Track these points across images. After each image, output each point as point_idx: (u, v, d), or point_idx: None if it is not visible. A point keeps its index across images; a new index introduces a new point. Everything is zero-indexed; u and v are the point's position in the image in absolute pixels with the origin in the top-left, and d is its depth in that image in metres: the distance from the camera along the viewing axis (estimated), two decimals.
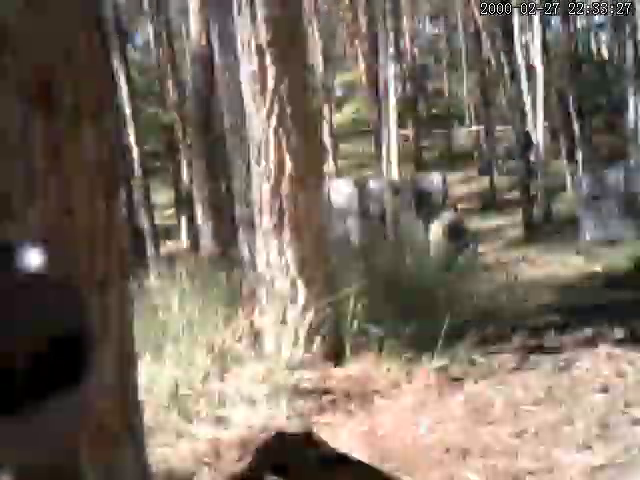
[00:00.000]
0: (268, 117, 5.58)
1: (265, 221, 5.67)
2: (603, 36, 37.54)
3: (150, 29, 26.39)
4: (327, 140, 30.16)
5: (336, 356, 5.48)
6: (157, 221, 20.42)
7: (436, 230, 12.78)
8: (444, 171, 15.51)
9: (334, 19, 39.26)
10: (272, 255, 5.63)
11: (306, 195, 5.65)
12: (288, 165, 5.59)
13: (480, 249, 15.37)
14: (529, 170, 21.78)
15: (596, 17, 38.77)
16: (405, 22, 38.17)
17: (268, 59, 5.56)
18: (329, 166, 29.86)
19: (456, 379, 5.04)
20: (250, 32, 5.56)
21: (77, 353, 0.54)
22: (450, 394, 4.73)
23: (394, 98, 21.36)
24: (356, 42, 31.51)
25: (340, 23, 38.47)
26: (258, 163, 5.70)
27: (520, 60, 22.11)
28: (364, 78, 28.81)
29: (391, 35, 24.01)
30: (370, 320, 5.68)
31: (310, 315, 5.39)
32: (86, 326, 0.55)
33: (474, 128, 33.06)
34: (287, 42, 5.62)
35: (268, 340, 5.62)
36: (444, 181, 13.57)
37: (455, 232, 12.84)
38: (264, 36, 5.54)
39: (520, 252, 14.79)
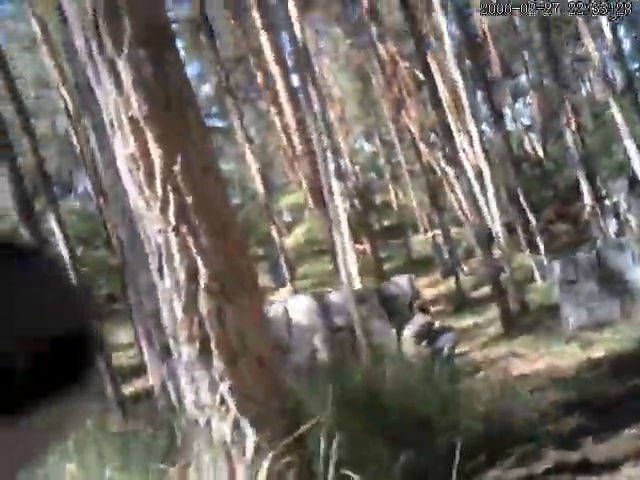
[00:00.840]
0: (163, 212, 4.11)
1: (185, 351, 4.13)
2: (533, 135, 38.82)
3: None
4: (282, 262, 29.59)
5: None
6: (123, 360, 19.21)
7: (408, 335, 11.53)
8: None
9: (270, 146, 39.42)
10: (202, 392, 4.08)
11: (235, 310, 4.13)
12: (202, 272, 4.08)
13: (462, 348, 14.27)
14: (495, 264, 21.37)
15: (523, 120, 40.60)
16: (341, 142, 38.65)
17: (149, 136, 4.08)
18: (287, 289, 29.15)
19: None
20: (118, 103, 4.11)
21: (78, 353, 0.51)
22: None
23: (344, 213, 20.79)
24: (295, 165, 31.42)
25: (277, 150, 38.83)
26: (161, 276, 4.20)
27: (466, 163, 21.83)
28: (310, 199, 28.39)
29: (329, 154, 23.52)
30: (349, 460, 4.11)
31: (265, 466, 3.73)
32: (87, 327, 0.52)
33: (429, 234, 32.78)
34: (170, 112, 4.15)
35: None
36: (411, 283, 12.31)
37: (429, 334, 11.61)
38: (138, 108, 4.07)
39: (505, 347, 13.54)
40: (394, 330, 11.86)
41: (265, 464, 3.69)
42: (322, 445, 3.89)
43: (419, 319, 12.02)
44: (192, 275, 4.08)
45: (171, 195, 4.06)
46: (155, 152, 4.07)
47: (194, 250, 4.08)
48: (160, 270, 4.16)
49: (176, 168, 4.05)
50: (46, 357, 0.49)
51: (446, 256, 27.96)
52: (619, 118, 15.46)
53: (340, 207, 20.80)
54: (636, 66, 41.20)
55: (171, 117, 4.12)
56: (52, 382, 0.49)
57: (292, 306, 11.84)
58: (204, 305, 4.04)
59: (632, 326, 11.76)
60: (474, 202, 21.41)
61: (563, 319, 15.00)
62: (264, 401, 4.00)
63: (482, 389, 7.33)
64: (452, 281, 24.96)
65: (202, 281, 4.05)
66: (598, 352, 10.32)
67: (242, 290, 4.23)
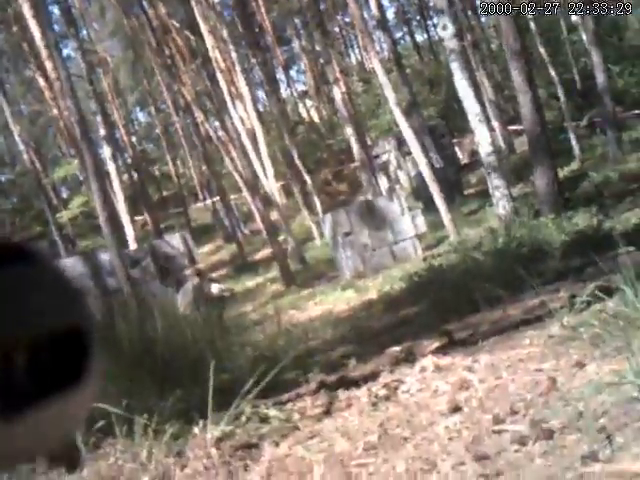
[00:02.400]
0: None
1: None
2: (308, 101, 39.60)
3: None
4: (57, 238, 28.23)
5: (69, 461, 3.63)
6: None
7: (184, 296, 11.33)
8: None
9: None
10: None
11: None
12: None
13: (243, 309, 14.32)
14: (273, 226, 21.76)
15: (299, 86, 41.38)
16: (115, 112, 37.40)
17: None
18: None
19: (248, 446, 3.45)
20: None
21: (77, 352, 0.50)
22: (245, 468, 3.15)
23: (118, 181, 20.17)
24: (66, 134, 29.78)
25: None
26: None
27: (240, 128, 21.73)
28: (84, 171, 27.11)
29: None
30: (112, 402, 3.90)
31: None
32: (87, 325, 0.51)
33: (209, 201, 32.65)
34: None
35: None
36: (185, 241, 12.05)
37: (206, 296, 11.48)
38: None
39: (284, 303, 13.71)
40: (171, 290, 11.61)
41: None
42: None
43: (195, 280, 11.83)
44: None
45: None
46: None
47: None
48: None
49: None
50: (46, 356, 0.48)
51: (226, 222, 27.96)
52: (385, 82, 16.01)
53: (115, 179, 20.08)
54: (399, 35, 43.25)
55: None
56: (52, 382, 0.48)
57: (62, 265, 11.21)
58: None
59: (403, 271, 12.26)
60: (249, 166, 21.45)
61: (340, 270, 15.49)
62: None
63: (255, 337, 7.31)
64: (234, 247, 25.06)
65: None
66: (371, 294, 10.68)
67: None
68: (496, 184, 12.18)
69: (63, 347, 0.49)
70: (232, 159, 22.22)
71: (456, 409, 3.21)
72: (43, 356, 0.48)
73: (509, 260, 8.42)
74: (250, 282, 19.81)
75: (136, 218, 35.12)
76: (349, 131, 20.37)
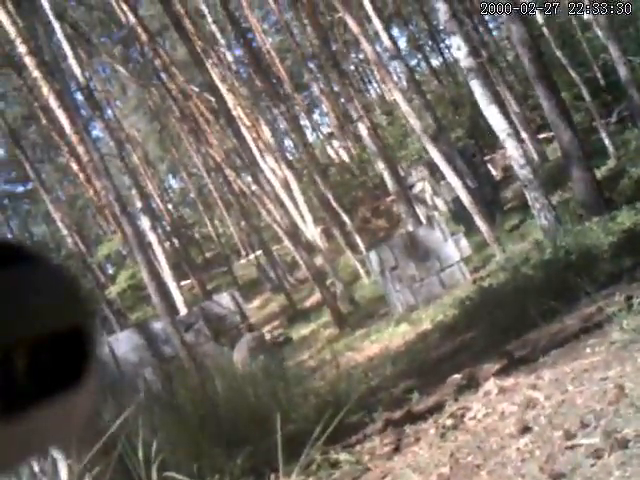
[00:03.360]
0: None
1: None
2: (335, 142, 39.82)
3: None
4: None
5: None
6: None
7: (241, 353, 11.35)
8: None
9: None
10: None
11: None
12: None
13: (300, 357, 14.29)
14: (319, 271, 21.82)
15: (324, 129, 41.71)
16: (148, 183, 38.11)
17: None
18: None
19: None
20: None
21: (78, 352, 0.51)
22: None
23: (162, 254, 20.38)
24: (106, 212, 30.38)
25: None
26: None
27: (273, 179, 21.95)
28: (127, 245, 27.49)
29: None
30: (178, 464, 3.90)
31: None
32: (88, 325, 0.52)
33: (252, 256, 32.85)
34: None
35: None
36: (234, 299, 12.11)
37: (263, 349, 11.50)
38: None
39: (340, 345, 13.67)
40: (226, 349, 11.64)
41: None
42: (140, 450, 3.68)
43: (248, 336, 11.87)
44: None
45: None
46: None
47: None
48: None
49: None
50: (46, 356, 0.48)
51: (272, 274, 28.05)
52: (408, 111, 16.05)
53: (157, 248, 20.32)
54: (414, 62, 43.43)
55: None
56: (52, 382, 0.48)
57: (117, 344, 11.34)
58: None
59: (452, 297, 12.16)
60: (287, 215, 21.60)
61: (391, 305, 15.39)
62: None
63: (316, 384, 7.28)
64: (282, 297, 25.10)
65: None
66: (425, 325, 10.58)
67: None
68: (534, 196, 12.05)
69: (63, 348, 0.49)
70: (269, 211, 22.42)
71: (525, 429, 3.15)
72: (43, 357, 0.48)
73: (559, 270, 8.31)
74: (304, 330, 19.78)
75: (182, 283, 35.47)
76: (380, 165, 20.40)
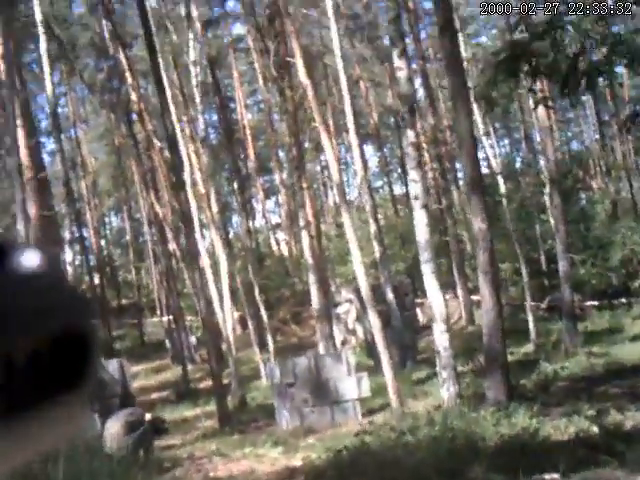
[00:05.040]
0: None
1: None
2: (281, 234, 39.92)
3: None
4: None
5: None
6: None
7: (112, 428, 10.87)
8: (129, 360, 13.69)
9: None
10: None
11: None
12: None
13: (173, 441, 13.81)
14: (221, 358, 21.47)
15: (273, 218, 41.83)
16: (88, 213, 37.51)
17: None
18: None
19: None
20: None
21: (78, 353, 0.51)
22: None
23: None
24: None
25: None
26: None
27: (203, 253, 21.66)
28: None
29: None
30: None
31: None
32: (88, 326, 0.52)
33: (165, 318, 32.20)
34: None
35: None
36: (121, 368, 11.63)
37: (136, 428, 11.04)
38: None
39: (214, 444, 13.24)
40: (96, 416, 11.15)
41: None
42: None
43: (126, 411, 11.40)
44: None
45: None
46: None
47: None
48: None
49: None
50: (46, 358, 0.48)
51: (177, 343, 27.33)
52: (351, 237, 16.11)
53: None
54: (379, 183, 44.19)
55: None
56: (52, 383, 0.49)
57: None
58: None
59: (337, 436, 11.92)
60: (206, 292, 21.24)
61: (278, 420, 15.08)
62: None
63: None
64: (180, 369, 24.52)
65: None
66: (296, 460, 10.25)
67: None
68: (444, 364, 12.05)
69: (63, 349, 0.49)
70: (193, 282, 22.02)
71: None
72: (43, 358, 0.48)
73: (442, 452, 8.20)
74: (188, 412, 19.20)
75: None
76: (311, 278, 20.37)
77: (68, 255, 19.79)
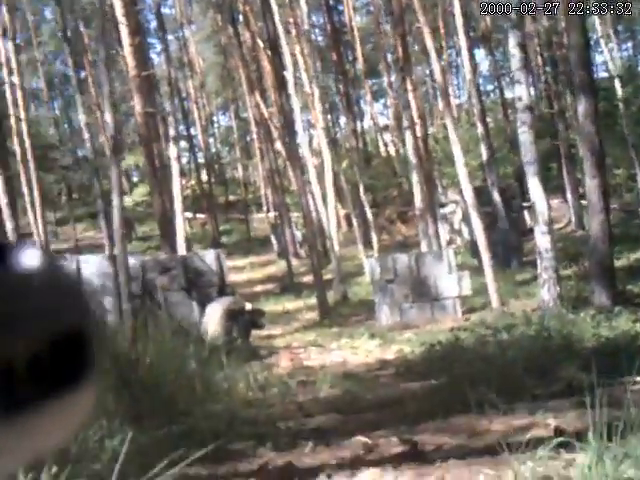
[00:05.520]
0: None
1: None
2: (388, 136, 39.21)
3: None
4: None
5: None
6: None
7: (213, 313, 11.11)
8: (235, 253, 13.94)
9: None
10: None
11: None
12: None
13: (273, 331, 14.14)
14: (325, 254, 21.80)
15: (381, 120, 41.03)
16: (196, 112, 37.91)
17: None
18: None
19: None
20: None
21: (78, 353, 0.51)
22: None
23: (178, 180, 19.89)
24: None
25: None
26: None
27: (307, 152, 21.65)
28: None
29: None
30: None
31: None
32: (88, 326, 0.52)
33: (271, 214, 32.64)
34: None
35: None
36: (218, 259, 11.83)
37: (237, 316, 11.26)
38: None
39: (312, 336, 13.50)
40: (195, 304, 11.44)
41: None
42: None
43: (227, 299, 11.61)
44: None
45: None
46: None
47: None
48: None
49: None
50: (46, 357, 0.48)
51: (282, 238, 27.73)
52: (454, 140, 15.76)
53: (176, 175, 19.89)
54: (491, 87, 42.65)
55: None
56: (52, 382, 0.48)
57: (85, 266, 11.15)
58: None
59: (433, 332, 11.84)
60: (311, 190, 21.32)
61: (377, 315, 15.21)
62: None
63: (252, 377, 7.04)
64: (284, 263, 25.00)
65: None
66: (389, 353, 10.27)
67: None
68: (545, 266, 11.70)
69: (63, 348, 0.48)
70: (297, 180, 22.07)
71: None
72: (43, 357, 0.48)
73: (535, 351, 7.99)
74: (290, 304, 19.68)
75: (198, 216, 35.50)
76: (415, 178, 20.09)
77: (173, 151, 19.77)
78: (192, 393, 5.62)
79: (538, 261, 12.15)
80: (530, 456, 3.45)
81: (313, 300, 18.46)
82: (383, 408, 5.92)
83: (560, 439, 3.56)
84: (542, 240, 11.78)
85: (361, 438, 4.56)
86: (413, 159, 19.81)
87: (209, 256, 12.02)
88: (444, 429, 4.80)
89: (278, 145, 27.60)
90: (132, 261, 11.57)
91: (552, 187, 25.98)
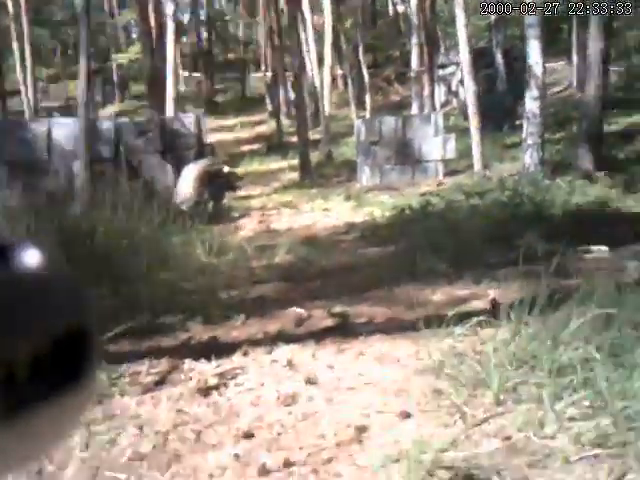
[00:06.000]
0: None
1: None
2: None
3: None
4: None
5: None
6: None
7: (187, 175, 10.85)
8: (228, 112, 13.57)
9: None
10: None
11: None
12: None
13: (251, 192, 13.99)
14: (317, 114, 21.38)
15: None
16: None
17: None
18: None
19: None
20: None
21: (78, 352, 0.51)
22: None
23: (172, 38, 19.11)
24: None
25: None
26: None
27: (307, 8, 20.86)
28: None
29: None
30: None
31: None
32: (88, 325, 0.52)
33: (268, 73, 31.84)
34: None
35: None
36: (198, 121, 11.46)
37: (212, 178, 11.02)
38: None
39: (290, 197, 13.30)
40: (169, 167, 11.20)
41: None
42: None
43: (203, 161, 11.31)
44: None
45: None
46: None
47: None
48: None
49: None
50: (45, 357, 0.47)
51: (276, 98, 27.18)
52: (459, 1, 15.04)
53: (170, 32, 19.10)
54: None
55: None
56: (52, 382, 0.48)
57: (56, 128, 10.81)
58: None
59: (411, 195, 11.61)
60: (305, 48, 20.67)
61: (358, 176, 15.04)
62: None
63: (210, 242, 6.90)
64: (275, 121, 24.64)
65: None
66: (362, 217, 10.06)
67: None
68: (531, 131, 11.43)
69: (63, 348, 0.48)
70: (292, 37, 21.31)
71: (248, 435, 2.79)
72: (43, 357, 0.47)
73: (504, 218, 7.86)
74: (274, 164, 19.40)
75: (195, 75, 34.69)
76: (414, 39, 19.39)
77: (169, 7, 18.88)
78: (142, 261, 5.49)
79: (524, 125, 11.88)
80: (450, 332, 3.37)
81: (295, 161, 18.22)
82: (333, 276, 5.82)
83: (481, 318, 3.45)
84: (532, 105, 11.50)
85: (296, 310, 4.48)
86: (415, 19, 19.05)
87: (187, 119, 11.65)
88: (386, 299, 4.72)
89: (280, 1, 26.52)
90: (107, 124, 11.24)
91: (560, 49, 25.20)
